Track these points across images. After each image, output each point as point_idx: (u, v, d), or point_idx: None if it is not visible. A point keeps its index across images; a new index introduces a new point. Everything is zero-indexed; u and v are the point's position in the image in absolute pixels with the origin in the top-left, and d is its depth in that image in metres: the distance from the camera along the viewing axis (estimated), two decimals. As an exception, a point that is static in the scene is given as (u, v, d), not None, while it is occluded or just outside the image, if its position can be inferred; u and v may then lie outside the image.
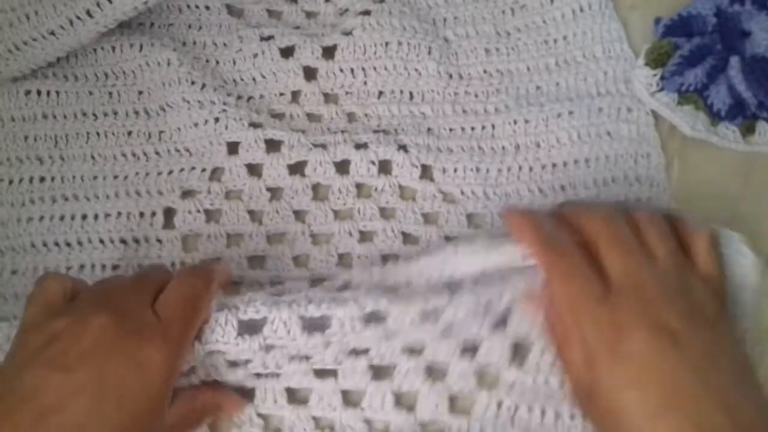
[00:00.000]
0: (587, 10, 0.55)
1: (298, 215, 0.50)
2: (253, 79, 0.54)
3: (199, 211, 0.49)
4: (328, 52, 0.54)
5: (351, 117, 0.53)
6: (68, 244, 0.48)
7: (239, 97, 0.53)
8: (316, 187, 0.51)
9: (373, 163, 0.50)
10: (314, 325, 0.40)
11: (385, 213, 0.50)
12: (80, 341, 0.36)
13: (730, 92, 0.51)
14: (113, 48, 0.54)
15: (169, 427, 0.39)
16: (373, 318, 0.40)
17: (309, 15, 0.58)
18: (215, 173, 0.51)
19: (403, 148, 0.50)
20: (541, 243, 0.40)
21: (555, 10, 0.56)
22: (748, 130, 0.51)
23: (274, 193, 0.50)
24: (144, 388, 0.36)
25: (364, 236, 0.49)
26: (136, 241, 0.49)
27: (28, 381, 0.35)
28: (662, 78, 0.52)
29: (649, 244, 0.39)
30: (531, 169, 0.50)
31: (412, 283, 0.42)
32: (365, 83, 0.54)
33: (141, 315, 0.38)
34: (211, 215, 0.50)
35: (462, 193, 0.50)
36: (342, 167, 0.51)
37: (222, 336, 0.40)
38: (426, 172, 0.50)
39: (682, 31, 0.53)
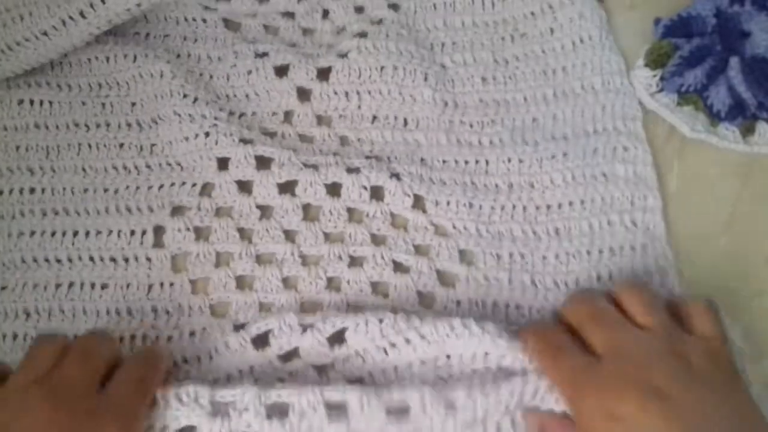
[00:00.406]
0: (587, 41, 0.54)
1: (288, 235, 0.49)
2: (246, 96, 0.54)
3: (188, 229, 0.49)
4: (323, 74, 0.54)
5: (343, 140, 0.53)
6: (58, 261, 0.47)
7: (231, 113, 0.53)
8: (306, 208, 0.50)
9: (365, 188, 0.49)
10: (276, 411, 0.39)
11: (376, 239, 0.49)
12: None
13: (730, 93, 0.50)
14: (107, 58, 0.54)
15: None
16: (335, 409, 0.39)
17: (305, 32, 0.57)
18: (205, 189, 0.51)
19: (396, 176, 0.49)
20: (533, 338, 0.40)
21: (555, 41, 0.55)
22: (747, 131, 0.50)
23: (264, 211, 0.50)
24: None
25: (354, 261, 0.48)
26: (126, 259, 0.48)
27: None
28: (662, 79, 0.52)
29: (634, 315, 0.39)
30: (525, 209, 0.49)
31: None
32: (359, 107, 0.53)
33: (90, 398, 0.37)
34: (200, 233, 0.49)
35: (454, 227, 0.48)
36: (333, 190, 0.50)
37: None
38: (418, 203, 0.49)
39: (681, 31, 0.53)
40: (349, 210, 0.49)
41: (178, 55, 0.55)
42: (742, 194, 0.50)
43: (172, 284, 0.47)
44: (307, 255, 0.48)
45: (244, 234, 0.49)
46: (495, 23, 0.56)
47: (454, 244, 0.48)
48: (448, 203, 0.49)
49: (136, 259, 0.48)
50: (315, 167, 0.50)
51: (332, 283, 0.47)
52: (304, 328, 0.43)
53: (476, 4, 0.57)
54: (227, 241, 0.48)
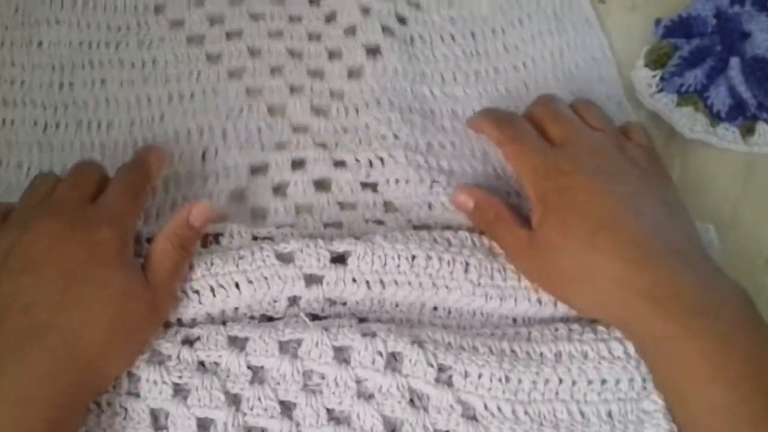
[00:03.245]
0: None
1: (285, 406, 0.40)
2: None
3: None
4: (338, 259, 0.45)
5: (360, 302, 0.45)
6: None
7: None
8: (307, 374, 0.41)
9: (380, 354, 0.41)
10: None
11: (388, 423, 0.40)
12: (35, 245, 0.39)
13: (730, 93, 0.50)
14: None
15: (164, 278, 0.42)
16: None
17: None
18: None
19: (418, 342, 0.41)
20: (494, 124, 0.47)
21: None
22: (747, 131, 0.51)
23: (257, 374, 0.41)
24: (103, 262, 0.39)
25: None
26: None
27: (1, 290, 0.38)
28: (662, 79, 0.52)
29: (587, 120, 0.46)
30: (574, 383, 0.41)
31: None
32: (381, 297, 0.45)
33: (82, 209, 0.41)
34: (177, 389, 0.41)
35: (486, 407, 0.40)
36: (341, 354, 0.41)
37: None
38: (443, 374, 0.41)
39: (682, 32, 0.53)
40: (359, 382, 0.41)
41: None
42: (742, 194, 0.50)
43: None
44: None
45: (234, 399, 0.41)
46: None
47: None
48: (480, 376, 0.41)
49: None
50: (326, 329, 0.42)
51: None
52: None
53: None
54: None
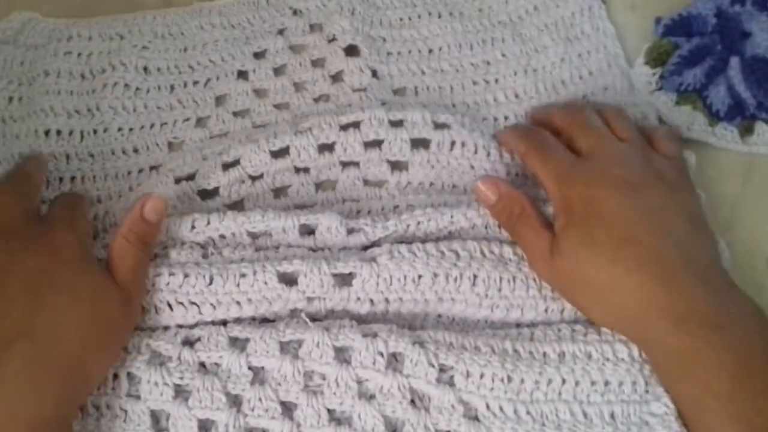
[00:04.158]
0: None
1: (286, 407, 0.41)
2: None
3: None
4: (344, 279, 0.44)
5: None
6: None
7: None
8: (309, 374, 0.41)
9: (381, 354, 0.41)
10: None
11: (390, 424, 0.40)
12: None
13: (730, 93, 0.50)
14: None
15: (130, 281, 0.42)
16: None
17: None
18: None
19: (419, 343, 0.41)
20: (521, 138, 0.47)
21: None
22: (746, 131, 0.51)
23: (257, 374, 0.41)
24: (66, 267, 0.40)
25: None
26: None
27: None
28: (661, 77, 0.52)
29: (615, 129, 0.46)
30: (577, 384, 0.41)
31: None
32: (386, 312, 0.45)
33: (34, 219, 0.42)
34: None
35: (488, 407, 0.40)
36: (342, 354, 0.41)
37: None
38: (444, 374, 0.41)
39: (682, 30, 0.53)
40: (360, 382, 0.41)
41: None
42: (741, 195, 0.50)
43: None
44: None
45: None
46: None
47: None
48: (482, 376, 0.40)
49: None
50: (327, 330, 0.42)
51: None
52: None
53: None
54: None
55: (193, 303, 0.43)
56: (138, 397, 0.40)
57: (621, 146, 0.45)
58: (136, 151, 0.52)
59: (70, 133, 0.52)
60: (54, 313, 0.38)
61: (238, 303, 0.43)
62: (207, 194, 0.48)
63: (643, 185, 0.42)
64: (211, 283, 0.43)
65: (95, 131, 0.53)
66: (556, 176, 0.44)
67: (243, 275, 0.43)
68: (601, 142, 0.45)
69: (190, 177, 0.48)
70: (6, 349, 0.36)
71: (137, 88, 0.54)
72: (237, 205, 0.49)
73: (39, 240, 0.40)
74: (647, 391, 0.40)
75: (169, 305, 0.43)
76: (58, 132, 0.52)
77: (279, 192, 0.50)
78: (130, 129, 0.53)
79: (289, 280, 0.43)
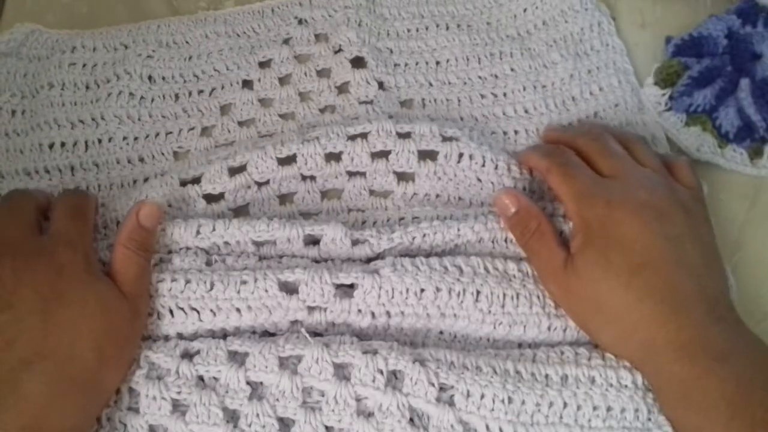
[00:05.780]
0: None
1: (283, 422, 0.40)
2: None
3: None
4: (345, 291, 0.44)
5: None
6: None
7: None
8: (307, 391, 0.41)
9: (380, 372, 0.40)
10: None
11: None
12: (2, 287, 0.38)
13: (739, 114, 0.50)
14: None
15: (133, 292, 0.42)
16: None
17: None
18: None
19: (419, 361, 0.41)
20: (544, 155, 0.46)
21: None
22: (755, 153, 0.50)
23: (255, 390, 0.41)
24: (74, 282, 0.39)
25: None
26: None
27: None
28: (671, 98, 0.52)
29: (636, 156, 0.46)
30: (579, 408, 0.40)
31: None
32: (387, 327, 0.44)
33: (35, 238, 0.41)
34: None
35: (488, 428, 0.40)
36: (341, 371, 0.41)
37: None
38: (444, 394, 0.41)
39: (692, 51, 0.53)
40: (359, 400, 0.40)
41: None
42: (749, 217, 0.49)
43: None
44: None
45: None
46: None
47: None
48: (483, 396, 0.40)
49: None
50: (327, 345, 0.41)
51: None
52: None
53: None
54: None
55: (194, 309, 0.43)
56: (137, 411, 0.40)
57: (645, 171, 0.45)
58: (141, 160, 0.52)
59: (75, 143, 0.53)
60: (67, 331, 0.38)
61: (238, 310, 0.43)
62: (212, 198, 0.48)
63: (666, 212, 0.42)
64: (211, 288, 0.43)
65: (100, 141, 0.53)
66: (577, 195, 0.44)
67: (244, 282, 0.43)
68: (624, 165, 0.45)
69: (196, 180, 0.48)
70: (25, 369, 0.37)
71: (142, 97, 0.54)
72: (242, 210, 0.49)
73: (44, 259, 0.40)
74: (650, 419, 0.40)
75: (171, 311, 0.43)
76: (63, 144, 0.52)
77: (284, 198, 0.50)
78: (135, 138, 0.53)
79: (290, 288, 0.43)
